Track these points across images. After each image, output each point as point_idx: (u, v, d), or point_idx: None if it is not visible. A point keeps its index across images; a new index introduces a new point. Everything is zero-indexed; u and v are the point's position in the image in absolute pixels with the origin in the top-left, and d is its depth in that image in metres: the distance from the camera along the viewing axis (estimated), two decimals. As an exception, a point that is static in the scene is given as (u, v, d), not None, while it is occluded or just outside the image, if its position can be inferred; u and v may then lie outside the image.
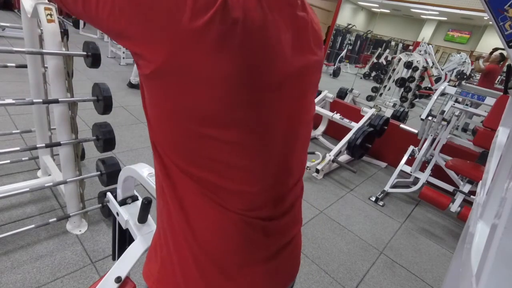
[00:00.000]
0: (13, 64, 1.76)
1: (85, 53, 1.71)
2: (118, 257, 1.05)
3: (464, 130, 5.68)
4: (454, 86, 3.16)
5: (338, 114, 3.77)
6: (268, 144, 0.50)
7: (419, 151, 3.26)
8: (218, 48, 0.38)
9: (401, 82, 5.98)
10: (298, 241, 0.67)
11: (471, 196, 2.76)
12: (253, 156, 0.48)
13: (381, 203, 3.03)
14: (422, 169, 3.24)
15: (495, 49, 4.82)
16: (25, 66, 1.89)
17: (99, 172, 1.93)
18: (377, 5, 10.23)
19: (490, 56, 4.99)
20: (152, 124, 0.48)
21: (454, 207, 2.66)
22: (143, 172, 1.07)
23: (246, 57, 0.40)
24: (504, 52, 5.17)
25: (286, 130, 0.52)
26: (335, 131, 4.28)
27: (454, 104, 3.04)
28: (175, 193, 0.50)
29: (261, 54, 0.42)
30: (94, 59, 1.71)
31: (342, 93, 4.94)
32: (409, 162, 3.28)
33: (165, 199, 0.52)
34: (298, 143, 0.57)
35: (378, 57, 8.65)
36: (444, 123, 3.05)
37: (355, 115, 3.79)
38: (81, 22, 8.68)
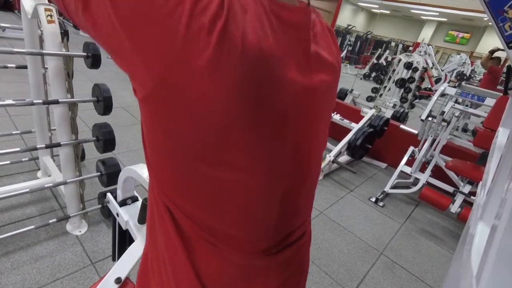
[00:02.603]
0: (13, 65, 1.76)
1: (85, 53, 1.71)
2: (118, 258, 1.05)
3: (464, 130, 5.68)
4: (454, 87, 3.15)
5: (338, 115, 3.78)
6: (271, 184, 0.45)
7: (419, 152, 3.26)
8: (212, 76, 0.34)
9: (401, 83, 5.98)
10: (305, 267, 0.62)
11: (471, 197, 2.75)
12: (255, 196, 0.45)
13: (381, 203, 3.03)
14: (422, 169, 3.24)
15: (494, 50, 4.83)
16: (25, 67, 1.89)
17: (99, 173, 1.93)
18: (377, 6, 10.24)
19: (491, 55, 4.99)
20: (148, 152, 0.46)
21: (454, 208, 2.66)
22: (143, 172, 1.07)
23: (244, 86, 0.36)
24: (501, 55, 5.19)
25: (293, 167, 0.47)
26: (335, 132, 4.27)
27: (454, 105, 3.04)
28: (175, 229, 0.47)
29: (261, 81, 0.38)
30: (94, 59, 1.72)
31: (342, 94, 4.94)
32: (409, 163, 3.28)
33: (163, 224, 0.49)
34: (307, 182, 0.52)
35: (378, 57, 8.66)
36: (444, 123, 3.05)
37: (355, 115, 3.79)
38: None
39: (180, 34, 0.33)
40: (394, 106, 5.83)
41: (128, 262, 1.02)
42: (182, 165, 0.41)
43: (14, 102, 1.54)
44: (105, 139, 1.81)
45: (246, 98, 0.37)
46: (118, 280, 0.97)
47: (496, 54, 4.93)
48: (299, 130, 0.45)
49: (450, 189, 3.02)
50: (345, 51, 10.53)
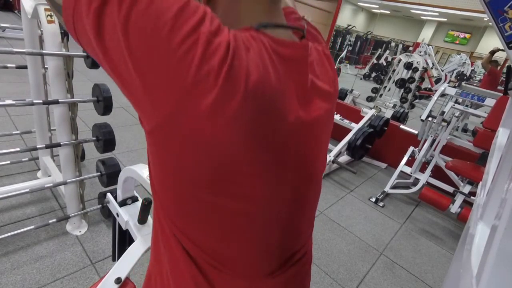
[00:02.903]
0: (13, 65, 1.76)
1: (85, 53, 1.71)
2: (118, 258, 1.05)
3: (464, 130, 5.68)
4: (454, 87, 3.15)
5: (338, 115, 3.78)
6: (273, 210, 0.47)
7: (419, 152, 3.26)
8: (218, 115, 0.36)
9: (401, 83, 5.98)
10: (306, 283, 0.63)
11: (471, 197, 2.75)
12: (258, 222, 0.47)
13: (381, 204, 3.03)
14: (422, 170, 3.24)
15: (494, 51, 4.83)
16: (25, 67, 1.89)
17: (99, 173, 1.93)
18: (377, 6, 10.24)
19: (492, 56, 4.99)
20: (153, 178, 0.47)
21: (454, 208, 2.66)
22: (143, 173, 1.07)
23: (247, 122, 0.38)
24: (502, 56, 5.19)
25: (294, 193, 0.49)
26: (335, 132, 4.24)
27: (454, 105, 3.04)
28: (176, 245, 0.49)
29: (264, 117, 0.39)
30: (94, 59, 1.72)
31: (342, 94, 4.94)
32: (409, 163, 3.28)
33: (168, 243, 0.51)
34: (307, 205, 0.55)
35: (378, 58, 8.66)
36: (444, 124, 3.05)
37: (355, 116, 3.79)
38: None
39: (190, 76, 0.34)
40: (394, 106, 5.83)
41: (128, 262, 1.02)
42: (186, 194, 0.43)
43: (14, 102, 1.54)
44: (105, 139, 1.81)
45: (250, 134, 0.39)
46: (118, 280, 0.96)
47: (496, 55, 4.93)
48: (300, 158, 0.47)
49: (450, 189, 3.02)
50: (345, 51, 10.53)
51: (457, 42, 10.33)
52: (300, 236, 0.56)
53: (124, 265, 1.01)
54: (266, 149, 0.42)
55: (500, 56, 5.49)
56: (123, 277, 0.98)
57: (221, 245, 0.47)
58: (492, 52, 4.88)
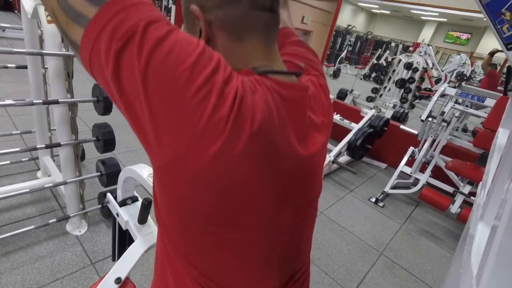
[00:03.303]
0: (13, 65, 1.76)
1: (85, 54, 1.70)
2: (118, 258, 1.05)
3: (464, 130, 5.68)
4: (454, 87, 3.15)
5: (338, 115, 3.78)
6: (273, 237, 0.51)
7: (419, 152, 3.26)
8: (225, 156, 0.39)
9: (401, 83, 5.98)
10: None
11: (471, 197, 2.75)
12: (259, 249, 0.50)
13: (381, 204, 3.03)
14: (422, 170, 3.24)
15: (494, 52, 4.82)
16: (25, 67, 1.89)
17: (99, 173, 1.93)
18: (377, 6, 10.24)
19: (491, 58, 4.99)
20: (158, 206, 0.50)
21: (454, 208, 2.66)
22: (143, 173, 1.07)
23: (251, 160, 0.41)
24: (501, 57, 5.19)
25: (293, 219, 0.52)
26: (335, 132, 4.26)
27: (454, 105, 3.04)
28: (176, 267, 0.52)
29: (267, 155, 0.43)
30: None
31: (342, 94, 4.95)
32: (409, 163, 3.28)
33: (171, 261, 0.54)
34: (306, 230, 0.58)
35: (378, 58, 8.66)
36: (444, 124, 3.05)
37: (355, 116, 3.79)
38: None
39: (202, 124, 0.37)
40: (394, 106, 5.83)
41: (128, 262, 1.02)
42: (190, 223, 0.45)
43: (14, 102, 1.54)
44: (105, 139, 1.81)
45: (253, 171, 0.42)
46: (118, 280, 0.96)
47: (496, 55, 4.93)
48: (299, 189, 0.51)
49: (450, 189, 3.02)
50: (345, 51, 10.53)
51: (458, 43, 10.33)
52: (300, 256, 0.59)
53: (124, 265, 1.01)
54: (268, 184, 0.45)
55: (500, 57, 5.50)
56: (123, 277, 0.98)
57: (224, 271, 0.49)
58: (491, 54, 4.88)
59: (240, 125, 0.38)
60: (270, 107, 0.42)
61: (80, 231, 1.93)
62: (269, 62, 0.47)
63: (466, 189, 2.83)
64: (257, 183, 0.43)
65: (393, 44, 9.85)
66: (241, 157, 0.40)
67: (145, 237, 1.08)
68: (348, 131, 3.48)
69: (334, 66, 9.74)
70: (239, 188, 0.42)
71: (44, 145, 1.73)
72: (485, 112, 3.04)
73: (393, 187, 3.21)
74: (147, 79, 0.36)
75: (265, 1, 0.45)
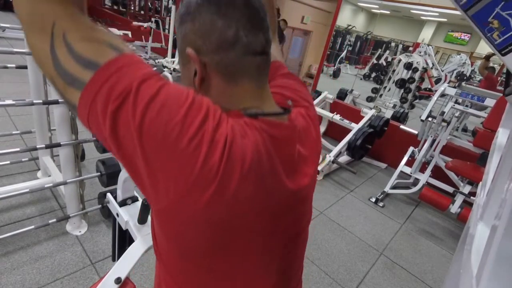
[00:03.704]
0: (13, 65, 1.76)
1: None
2: (118, 258, 1.05)
3: (464, 130, 5.68)
4: (454, 87, 3.15)
5: (338, 115, 3.78)
6: (265, 265, 0.54)
7: (419, 152, 3.26)
8: (216, 201, 0.41)
9: (401, 83, 5.98)
10: None
11: (471, 197, 2.75)
12: (252, 277, 0.53)
13: (381, 204, 3.03)
14: (422, 170, 3.24)
15: (489, 55, 4.81)
16: (25, 67, 1.89)
17: (99, 173, 1.93)
18: (377, 6, 10.24)
19: (487, 62, 4.98)
20: (157, 241, 0.54)
21: (454, 208, 2.66)
22: (143, 173, 1.06)
23: (242, 199, 0.44)
24: (497, 60, 5.20)
25: (284, 249, 0.56)
26: (335, 132, 4.28)
27: (454, 105, 3.04)
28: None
29: (256, 192, 0.45)
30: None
31: (342, 94, 4.94)
32: (409, 163, 3.28)
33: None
34: (297, 254, 0.62)
35: (378, 58, 8.66)
36: (444, 124, 3.05)
37: (355, 116, 3.79)
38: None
39: (195, 173, 0.40)
40: (394, 106, 5.83)
41: (128, 262, 1.02)
42: (187, 258, 0.49)
43: (14, 102, 1.54)
44: (105, 139, 1.80)
45: (245, 209, 0.45)
46: (118, 280, 0.96)
47: (495, 59, 4.93)
48: (288, 220, 0.54)
49: (450, 189, 3.02)
50: (345, 51, 10.53)
51: (457, 43, 10.32)
52: (292, 280, 0.63)
53: (124, 265, 1.01)
54: (260, 218, 0.48)
55: (494, 66, 5.53)
56: (123, 277, 0.98)
57: None
58: (487, 57, 4.87)
59: (230, 169, 0.41)
60: (259, 148, 0.45)
61: (80, 231, 1.93)
62: (260, 103, 0.50)
63: (466, 189, 2.83)
64: (249, 219, 0.47)
65: (393, 44, 9.84)
66: (233, 199, 0.43)
67: (145, 237, 1.08)
68: (348, 131, 3.48)
69: (334, 66, 9.74)
70: (233, 224, 0.45)
71: (44, 145, 1.73)
72: (485, 112, 3.04)
73: (393, 187, 3.21)
74: (142, 135, 0.38)
75: (258, 47, 0.47)
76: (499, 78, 5.75)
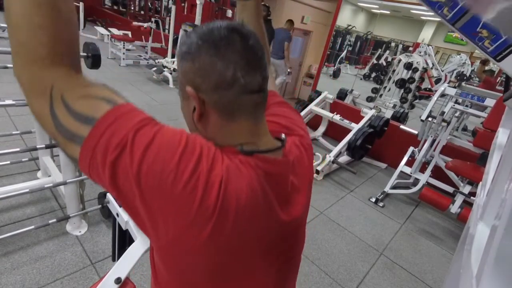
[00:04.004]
0: (14, 65, 1.76)
1: (85, 54, 1.71)
2: (118, 258, 1.05)
3: (464, 129, 5.68)
4: (454, 87, 3.15)
5: (338, 115, 3.78)
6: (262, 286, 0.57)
7: (419, 152, 3.26)
8: (214, 238, 0.44)
9: (401, 83, 5.98)
10: None
11: (471, 197, 2.75)
12: None
13: (381, 204, 3.03)
14: (422, 170, 3.24)
15: (485, 60, 4.81)
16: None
17: (99, 173, 1.92)
18: (377, 6, 10.24)
19: (483, 66, 4.98)
20: (156, 271, 0.57)
21: (454, 208, 2.65)
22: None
23: (239, 234, 0.47)
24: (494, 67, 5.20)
25: (277, 274, 0.59)
26: (335, 132, 4.28)
27: (454, 105, 3.04)
28: None
29: (252, 227, 0.49)
30: (94, 60, 1.71)
31: (342, 94, 4.94)
32: (409, 163, 3.28)
33: None
34: (290, 276, 0.65)
35: (378, 58, 8.66)
36: (444, 124, 3.05)
37: (355, 116, 3.79)
38: (81, 23, 8.69)
39: (192, 214, 0.42)
40: (394, 106, 5.82)
41: (128, 262, 1.02)
42: (187, 285, 0.52)
43: (14, 103, 1.54)
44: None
45: (242, 242, 0.48)
46: (118, 280, 0.96)
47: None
48: (283, 248, 0.58)
49: (450, 189, 3.02)
50: (345, 52, 10.53)
51: (458, 44, 10.32)
52: None
53: (124, 265, 1.01)
54: (256, 250, 0.52)
55: (493, 69, 5.54)
56: (123, 277, 0.98)
57: None
58: (483, 62, 4.86)
59: (226, 209, 0.44)
60: (254, 186, 0.47)
61: (80, 231, 1.93)
62: (256, 138, 0.52)
63: (466, 189, 2.83)
64: (247, 250, 0.50)
65: (393, 44, 9.84)
66: (231, 235, 0.46)
67: (145, 237, 1.08)
68: (348, 131, 3.48)
69: (334, 66, 9.74)
70: (231, 254, 0.48)
71: (44, 145, 1.73)
72: (484, 113, 3.04)
73: (393, 187, 3.20)
74: (140, 183, 0.41)
75: (255, 86, 0.49)
76: (498, 78, 5.74)
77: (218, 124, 0.50)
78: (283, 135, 0.58)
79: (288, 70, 5.22)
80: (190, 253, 0.46)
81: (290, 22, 5.12)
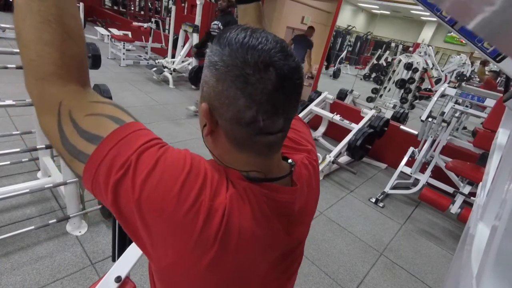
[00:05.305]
0: (14, 66, 1.76)
1: (85, 54, 1.70)
2: (118, 258, 1.05)
3: (464, 128, 5.68)
4: (454, 87, 3.15)
5: (338, 116, 3.78)
6: None
7: (419, 153, 3.26)
8: (214, 269, 0.44)
9: (401, 84, 5.98)
10: None
11: (471, 198, 2.75)
12: None
13: (381, 204, 3.03)
14: (422, 170, 3.24)
15: (485, 61, 4.81)
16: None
17: (99, 173, 1.92)
18: (377, 7, 10.24)
19: (484, 68, 4.97)
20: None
21: (454, 208, 2.65)
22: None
23: (239, 264, 0.46)
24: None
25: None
26: (335, 132, 4.28)
27: (454, 106, 3.04)
28: None
29: (254, 257, 0.48)
30: (94, 60, 1.72)
31: (342, 94, 4.95)
32: (409, 164, 3.28)
33: None
34: (290, 284, 0.64)
35: (378, 58, 8.66)
36: (444, 124, 3.05)
37: (355, 116, 3.79)
38: (82, 23, 8.68)
39: (193, 241, 0.41)
40: (394, 106, 5.82)
41: (128, 261, 1.02)
42: None
43: (14, 103, 1.54)
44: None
45: (244, 266, 0.47)
46: (118, 279, 0.96)
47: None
48: (284, 265, 0.57)
49: (450, 189, 3.02)
50: (345, 52, 10.54)
51: (458, 44, 10.32)
52: None
53: (124, 264, 1.01)
54: (258, 270, 0.51)
55: (497, 70, 5.51)
56: (123, 276, 0.98)
57: None
58: (483, 63, 4.85)
59: (227, 241, 0.43)
60: (258, 218, 0.46)
61: (80, 232, 1.93)
62: (265, 167, 0.49)
63: (466, 189, 2.83)
64: (245, 277, 0.49)
65: (393, 45, 9.85)
66: (230, 264, 0.45)
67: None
68: (348, 131, 3.48)
69: (334, 66, 9.74)
70: (229, 282, 0.47)
71: (44, 146, 1.73)
72: (484, 113, 3.04)
73: (393, 188, 3.20)
74: (141, 208, 0.41)
75: (274, 129, 0.44)
76: (498, 78, 5.74)
77: (226, 148, 0.47)
78: (292, 162, 0.55)
79: (308, 74, 5.27)
80: (188, 279, 0.45)
81: (311, 28, 5.16)
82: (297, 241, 0.57)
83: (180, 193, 0.41)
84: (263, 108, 0.41)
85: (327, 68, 5.94)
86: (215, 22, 3.95)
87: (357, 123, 3.57)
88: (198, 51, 4.61)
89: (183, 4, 6.86)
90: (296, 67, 0.42)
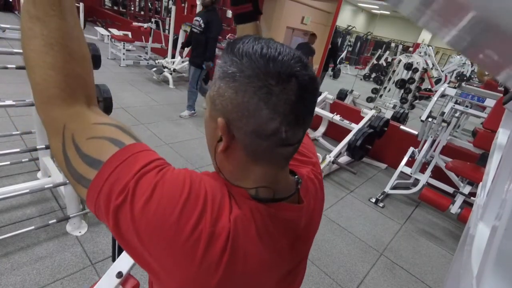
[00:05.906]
0: (14, 66, 1.77)
1: (85, 54, 1.70)
2: (118, 258, 1.05)
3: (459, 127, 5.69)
4: (454, 87, 3.15)
5: (338, 116, 3.78)
6: None
7: (419, 153, 3.26)
8: (223, 284, 0.42)
9: (401, 84, 5.98)
10: None
11: (472, 198, 2.75)
12: None
13: (381, 204, 3.03)
14: (422, 170, 3.24)
15: None
16: (25, 68, 1.89)
17: (99, 174, 1.92)
18: (377, 7, 10.25)
19: (483, 70, 4.98)
20: None
21: (454, 208, 2.65)
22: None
23: (248, 280, 0.45)
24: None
25: None
26: (335, 133, 4.29)
27: (454, 106, 3.04)
28: None
29: (260, 277, 0.47)
30: (94, 60, 1.71)
31: (342, 95, 4.95)
32: (409, 164, 3.28)
33: None
34: None
35: (378, 58, 8.67)
36: (444, 124, 3.05)
37: (355, 116, 3.80)
38: (81, 23, 8.68)
39: (195, 267, 0.41)
40: (394, 106, 5.83)
41: (128, 258, 1.02)
42: None
43: (14, 103, 1.54)
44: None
45: (254, 284, 0.47)
46: (119, 275, 0.97)
47: None
48: (290, 278, 0.57)
49: (450, 190, 3.02)
50: (345, 52, 10.54)
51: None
52: None
53: (125, 261, 1.01)
54: (264, 284, 0.50)
55: None
56: (124, 271, 0.98)
57: None
58: None
59: (233, 267, 0.42)
60: (264, 238, 0.46)
61: (80, 232, 1.93)
62: (274, 184, 0.48)
63: (466, 189, 2.83)
64: (256, 285, 0.49)
65: (393, 45, 9.85)
66: (240, 280, 0.44)
67: None
68: (348, 131, 3.48)
69: (334, 66, 9.74)
70: None
71: (44, 146, 1.73)
72: (484, 113, 3.04)
73: (393, 188, 3.20)
74: (140, 235, 0.40)
75: (294, 140, 0.44)
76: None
77: (241, 162, 0.46)
78: (299, 179, 0.54)
79: None
80: None
81: (314, 36, 5.19)
82: (301, 257, 0.57)
83: (179, 221, 0.40)
84: (287, 119, 0.41)
85: (326, 69, 5.94)
86: (197, 18, 3.85)
87: (357, 123, 3.57)
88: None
89: (183, 4, 6.87)
90: (314, 78, 0.42)
